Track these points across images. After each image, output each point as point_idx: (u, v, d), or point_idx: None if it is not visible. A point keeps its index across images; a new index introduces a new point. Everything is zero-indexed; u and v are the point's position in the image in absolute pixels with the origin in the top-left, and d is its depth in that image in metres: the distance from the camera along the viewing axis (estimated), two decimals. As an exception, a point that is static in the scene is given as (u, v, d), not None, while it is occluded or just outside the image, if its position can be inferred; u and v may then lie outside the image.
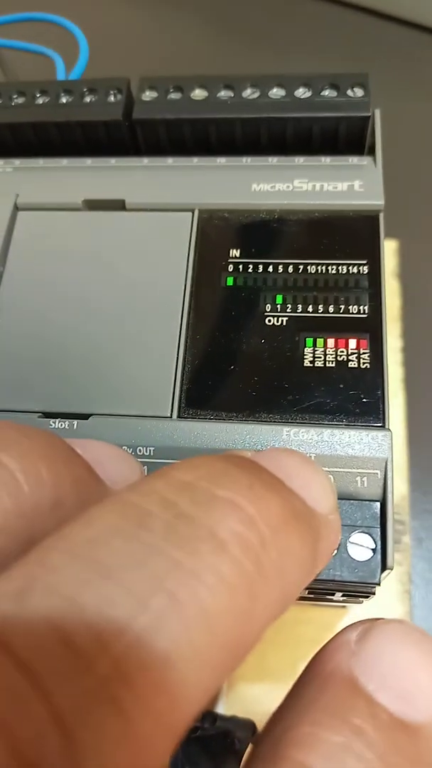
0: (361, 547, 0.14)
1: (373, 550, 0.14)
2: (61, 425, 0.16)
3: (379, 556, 0.14)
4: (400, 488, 0.26)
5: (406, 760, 0.09)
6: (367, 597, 0.15)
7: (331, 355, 0.17)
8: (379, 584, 0.14)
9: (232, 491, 0.09)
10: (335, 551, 0.14)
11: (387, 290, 0.29)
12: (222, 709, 0.22)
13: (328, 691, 0.09)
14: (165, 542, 0.08)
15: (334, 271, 0.18)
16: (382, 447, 0.15)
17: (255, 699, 0.23)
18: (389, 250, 0.31)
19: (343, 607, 0.23)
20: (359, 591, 0.15)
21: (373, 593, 0.15)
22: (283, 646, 0.24)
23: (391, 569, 0.14)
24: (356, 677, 0.09)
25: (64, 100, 0.21)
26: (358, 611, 0.24)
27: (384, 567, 0.14)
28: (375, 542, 0.14)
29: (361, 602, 0.17)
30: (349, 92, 0.19)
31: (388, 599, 0.25)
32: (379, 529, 0.14)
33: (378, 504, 0.15)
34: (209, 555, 0.08)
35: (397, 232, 0.31)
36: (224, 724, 0.19)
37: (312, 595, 0.16)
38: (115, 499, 0.09)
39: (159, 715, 0.07)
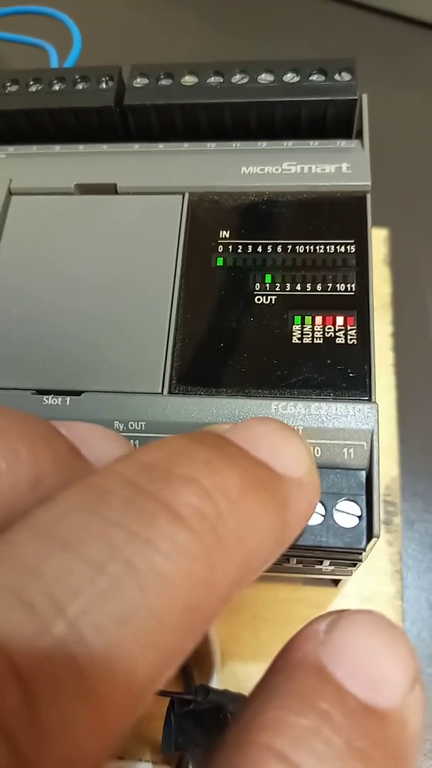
0: (347, 514, 0.14)
1: (359, 517, 0.14)
2: (54, 401, 0.17)
3: (364, 523, 0.14)
4: (391, 470, 0.27)
5: (373, 745, 0.09)
6: (354, 565, 0.16)
7: (319, 331, 0.17)
8: (364, 550, 0.14)
9: (189, 467, 0.10)
10: (313, 514, 0.14)
11: (378, 278, 0.30)
12: (215, 686, 0.22)
13: (297, 678, 0.10)
14: (122, 516, 0.09)
15: (322, 251, 0.18)
16: (368, 419, 0.16)
17: (248, 677, 0.24)
18: (379, 238, 0.31)
19: (335, 584, 0.23)
20: (346, 558, 0.15)
21: (360, 560, 0.15)
22: (277, 624, 0.24)
23: (377, 538, 0.14)
24: (324, 665, 0.10)
25: (56, 87, 0.21)
26: (350, 591, 0.25)
27: (370, 534, 0.14)
28: (361, 509, 0.14)
29: (350, 573, 0.17)
30: (337, 77, 0.20)
31: (379, 579, 0.25)
32: (364, 497, 0.15)
33: (363, 472, 0.15)
34: (165, 525, 0.09)
35: (387, 221, 0.31)
36: (217, 698, 0.19)
37: (301, 565, 0.16)
38: (79, 482, 0.09)
39: (117, 674, 0.08)
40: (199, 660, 0.23)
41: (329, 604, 0.24)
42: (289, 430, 0.12)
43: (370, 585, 0.25)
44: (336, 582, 0.23)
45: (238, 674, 0.24)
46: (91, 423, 0.14)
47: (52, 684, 0.07)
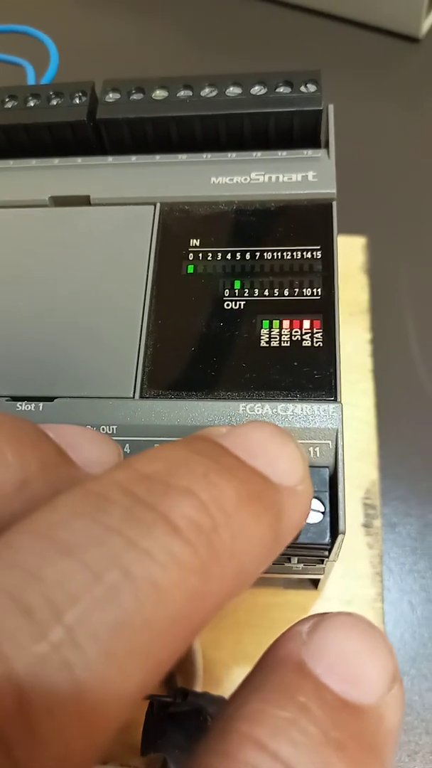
0: (312, 510, 0.15)
1: (323, 513, 0.15)
2: (28, 407, 0.17)
3: (328, 519, 0.15)
4: (371, 474, 0.27)
5: (348, 736, 0.09)
6: (322, 562, 0.16)
7: (286, 335, 0.17)
8: (330, 546, 0.15)
9: (187, 480, 0.10)
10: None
11: (356, 285, 0.30)
12: (198, 690, 0.22)
13: (279, 674, 0.10)
14: (122, 524, 0.09)
15: (289, 257, 0.19)
16: (333, 418, 0.16)
17: (231, 681, 0.24)
18: (357, 246, 0.31)
19: (315, 587, 0.23)
20: (312, 555, 0.15)
21: (327, 557, 0.15)
22: (259, 629, 0.24)
23: (343, 534, 0.15)
24: (305, 662, 0.10)
25: (32, 103, 0.22)
26: (331, 593, 0.25)
27: (335, 531, 0.15)
28: (324, 506, 0.15)
29: (321, 571, 0.17)
30: (302, 88, 0.20)
31: (360, 582, 0.25)
32: (328, 493, 0.15)
33: (327, 470, 0.15)
34: (162, 536, 0.09)
35: (365, 230, 0.32)
36: (196, 700, 0.20)
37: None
38: (78, 488, 0.10)
39: (109, 682, 0.08)
40: (182, 666, 0.23)
41: (311, 607, 0.25)
42: (284, 435, 0.12)
43: (351, 588, 0.25)
44: (315, 584, 0.23)
45: (221, 679, 0.24)
46: (77, 426, 0.14)
47: (46, 690, 0.08)
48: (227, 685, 0.24)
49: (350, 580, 0.25)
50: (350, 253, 0.31)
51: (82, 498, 0.09)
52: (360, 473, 0.27)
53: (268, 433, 0.12)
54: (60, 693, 0.08)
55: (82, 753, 0.08)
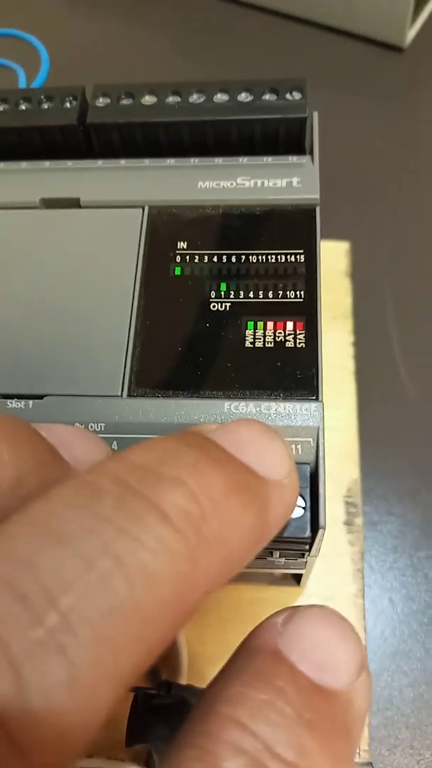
0: (293, 505, 0.15)
1: (304, 508, 0.15)
2: (18, 405, 0.17)
3: (309, 513, 0.15)
4: (352, 473, 0.27)
5: (320, 717, 0.10)
6: (303, 556, 0.17)
7: (270, 336, 0.18)
8: (310, 540, 0.15)
9: (177, 469, 0.10)
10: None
11: (339, 289, 0.31)
12: (182, 683, 0.22)
13: (256, 661, 0.11)
14: (113, 513, 0.09)
15: (273, 260, 0.19)
16: (314, 417, 0.17)
17: (215, 675, 0.24)
18: (341, 251, 0.32)
19: (298, 583, 0.24)
20: (294, 548, 0.16)
21: (308, 551, 0.16)
22: (242, 624, 0.24)
23: (323, 529, 0.15)
24: (281, 650, 0.11)
25: (23, 107, 0.22)
26: (313, 590, 0.25)
27: (315, 525, 0.15)
28: (305, 501, 0.15)
29: (302, 565, 0.18)
30: (288, 96, 0.21)
31: (341, 579, 0.26)
32: (309, 489, 0.15)
33: (307, 466, 0.16)
34: (153, 524, 0.10)
35: (349, 235, 0.33)
36: (180, 693, 0.20)
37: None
38: (72, 479, 0.10)
39: (104, 666, 0.08)
40: (167, 659, 0.24)
41: (293, 603, 0.25)
42: (272, 432, 0.13)
43: (333, 584, 0.26)
44: (298, 580, 0.23)
45: (205, 674, 0.24)
46: (68, 425, 0.14)
47: (42, 671, 0.08)
48: (210, 679, 0.24)
49: (332, 576, 0.26)
50: (334, 257, 0.32)
51: (76, 488, 0.10)
52: (342, 472, 0.27)
53: (256, 430, 0.12)
54: (56, 676, 0.08)
55: (77, 735, 0.08)
